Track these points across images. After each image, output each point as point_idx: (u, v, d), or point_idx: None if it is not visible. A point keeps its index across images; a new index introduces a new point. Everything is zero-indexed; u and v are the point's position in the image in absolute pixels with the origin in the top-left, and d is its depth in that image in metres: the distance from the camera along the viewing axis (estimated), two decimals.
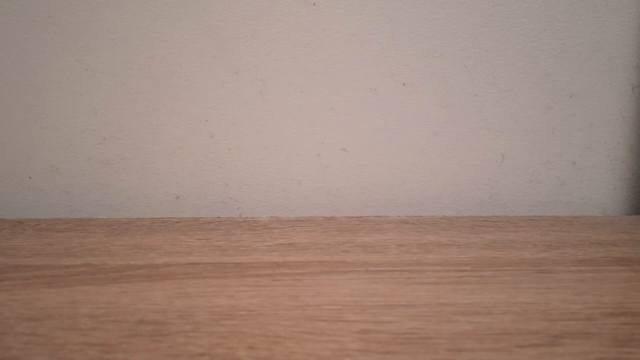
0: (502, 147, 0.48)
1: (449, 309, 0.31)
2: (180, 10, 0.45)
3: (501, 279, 0.34)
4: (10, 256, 0.37)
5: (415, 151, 0.48)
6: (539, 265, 0.36)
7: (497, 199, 0.49)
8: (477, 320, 0.30)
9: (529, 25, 0.46)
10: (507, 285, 0.33)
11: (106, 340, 0.27)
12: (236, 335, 0.28)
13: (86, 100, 0.46)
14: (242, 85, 0.46)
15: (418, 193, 0.49)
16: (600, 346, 0.27)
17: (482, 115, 0.48)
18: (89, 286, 0.33)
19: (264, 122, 0.47)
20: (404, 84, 0.47)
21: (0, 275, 0.34)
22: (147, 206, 0.48)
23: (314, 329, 0.28)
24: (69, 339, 0.27)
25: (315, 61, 0.46)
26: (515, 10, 0.46)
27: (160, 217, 0.48)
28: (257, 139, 0.47)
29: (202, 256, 0.37)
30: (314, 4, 0.45)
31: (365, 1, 0.45)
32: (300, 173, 0.48)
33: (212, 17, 0.45)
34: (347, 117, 0.47)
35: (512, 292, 0.33)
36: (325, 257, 0.37)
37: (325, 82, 0.47)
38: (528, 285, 0.34)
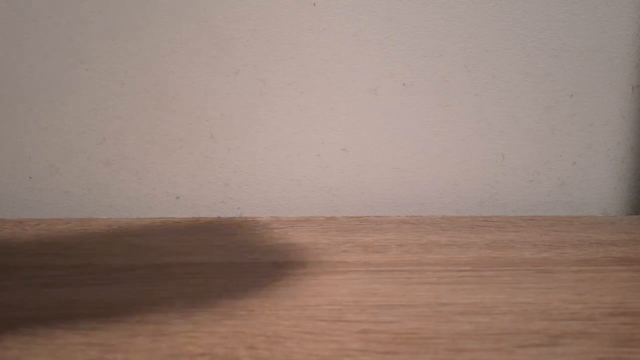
0: (502, 147, 0.48)
1: (449, 309, 0.31)
2: (180, 10, 0.45)
3: (501, 279, 0.34)
4: (10, 256, 0.37)
5: (415, 151, 0.48)
6: (539, 265, 0.36)
7: (497, 199, 0.49)
8: (477, 320, 0.29)
9: (529, 25, 0.46)
10: (507, 285, 0.33)
11: (106, 340, 0.27)
12: (236, 335, 0.28)
13: (86, 100, 0.46)
14: (242, 85, 0.46)
15: (418, 193, 0.49)
16: (600, 346, 0.27)
17: (482, 115, 0.48)
18: (89, 286, 0.33)
19: (264, 122, 0.47)
20: (404, 84, 0.47)
21: (0, 275, 0.34)
22: (147, 206, 0.48)
23: (314, 329, 0.28)
24: (69, 339, 0.27)
25: (315, 61, 0.46)
26: (515, 10, 0.46)
27: (160, 217, 0.48)
28: (257, 139, 0.47)
29: (202, 256, 0.37)
30: (314, 4, 0.45)
31: (365, 1, 0.45)
32: (300, 173, 0.48)
33: (212, 17, 0.45)
34: (347, 117, 0.47)
35: (512, 292, 0.33)
36: (325, 257, 0.37)
37: (325, 82, 0.47)
38: (528, 285, 0.34)
